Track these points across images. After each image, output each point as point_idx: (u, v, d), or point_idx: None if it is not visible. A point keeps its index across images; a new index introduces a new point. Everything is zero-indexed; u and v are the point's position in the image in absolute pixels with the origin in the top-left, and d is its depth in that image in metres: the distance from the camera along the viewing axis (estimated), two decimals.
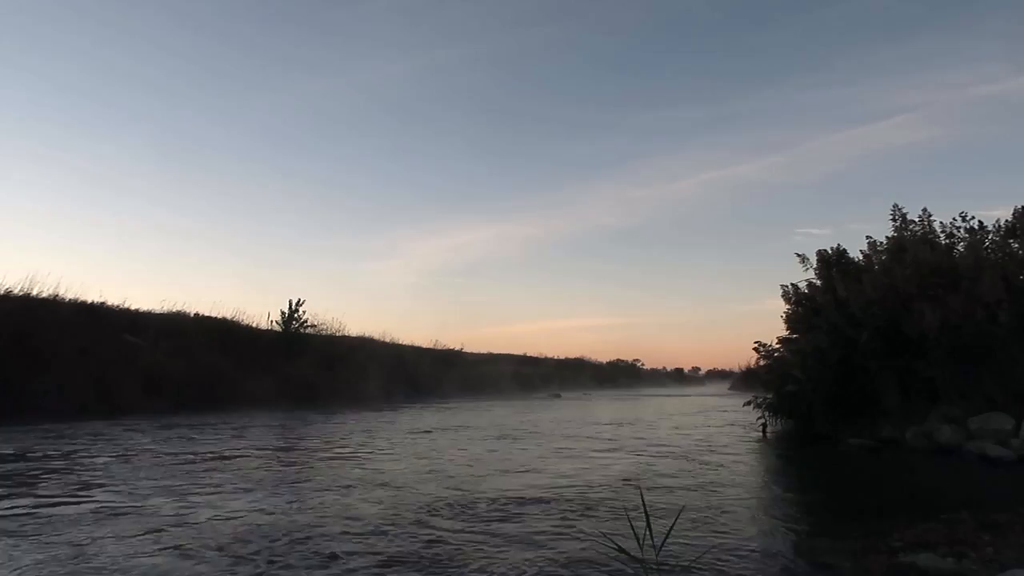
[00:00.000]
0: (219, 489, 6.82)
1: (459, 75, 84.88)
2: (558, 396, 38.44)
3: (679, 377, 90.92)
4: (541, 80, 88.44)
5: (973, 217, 12.93)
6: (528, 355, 53.86)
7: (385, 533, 5.10)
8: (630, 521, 3.05)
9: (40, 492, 6.54)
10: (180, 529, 5.13)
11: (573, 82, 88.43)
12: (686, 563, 4.25)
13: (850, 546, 4.72)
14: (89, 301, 20.33)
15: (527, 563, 4.37)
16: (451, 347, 41.81)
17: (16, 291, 17.92)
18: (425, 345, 39.26)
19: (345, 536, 5.00)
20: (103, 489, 6.71)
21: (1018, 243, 12.17)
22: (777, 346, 15.05)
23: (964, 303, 11.24)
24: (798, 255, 14.78)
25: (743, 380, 36.78)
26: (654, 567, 3.03)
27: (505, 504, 6.24)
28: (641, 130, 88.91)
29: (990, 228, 12.71)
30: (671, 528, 3.07)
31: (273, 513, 5.75)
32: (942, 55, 73.44)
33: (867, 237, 14.21)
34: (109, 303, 21.25)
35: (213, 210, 70.95)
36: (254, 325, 26.86)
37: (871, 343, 11.96)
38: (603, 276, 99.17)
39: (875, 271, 13.31)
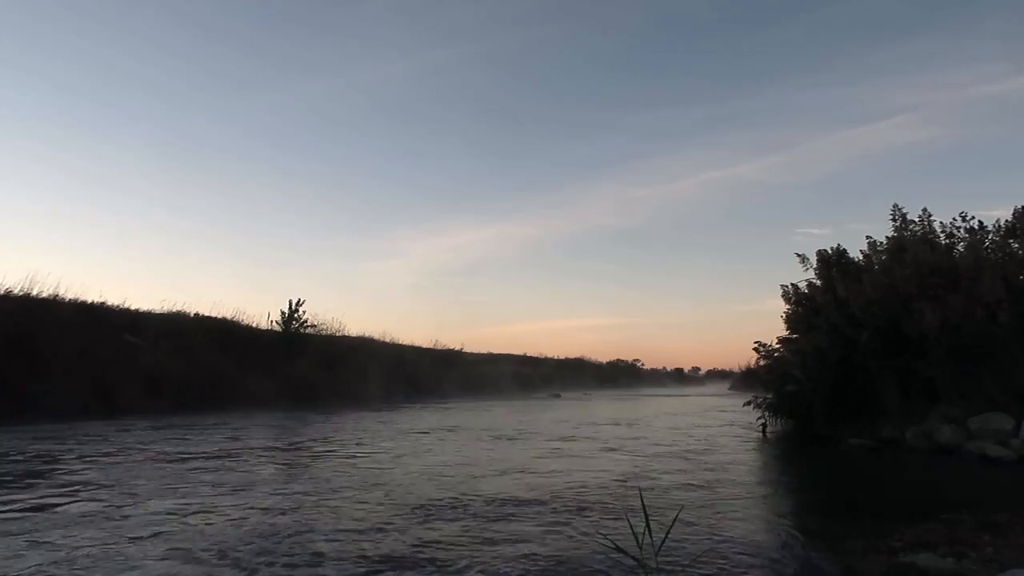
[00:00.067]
0: (212, 490, 6.78)
1: (459, 75, 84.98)
2: (558, 396, 38.44)
3: (679, 377, 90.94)
4: (541, 80, 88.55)
5: (973, 217, 12.96)
6: (528, 355, 53.95)
7: (377, 534, 5.06)
8: (629, 521, 3.05)
9: (32, 493, 6.49)
10: (169, 531, 5.08)
11: (573, 82, 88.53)
12: (685, 563, 4.25)
13: (850, 546, 4.72)
14: (89, 301, 20.34)
15: (523, 564, 4.35)
16: (451, 347, 41.89)
17: (16, 291, 17.93)
18: (425, 345, 39.33)
19: (336, 537, 4.94)
20: (95, 490, 6.66)
21: (1018, 243, 12.17)
22: (777, 346, 15.05)
23: (964, 303, 11.24)
24: (798, 255, 14.81)
25: (743, 380, 36.78)
26: (653, 567, 3.02)
27: (501, 505, 6.20)
28: (641, 130, 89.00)
29: (990, 228, 12.73)
30: (670, 528, 3.07)
31: (264, 514, 5.71)
32: (942, 55, 73.48)
33: (867, 237, 14.24)
34: (109, 303, 21.27)
35: (213, 210, 71.00)
36: (254, 325, 26.88)
37: (871, 343, 11.96)
38: (603, 276, 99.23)
39: (875, 271, 13.31)
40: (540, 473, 8.31)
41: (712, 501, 6.53)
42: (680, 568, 4.16)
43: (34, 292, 18.37)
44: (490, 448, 11.14)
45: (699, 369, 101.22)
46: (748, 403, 14.88)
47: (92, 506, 5.93)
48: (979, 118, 73.60)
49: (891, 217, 13.83)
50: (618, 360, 76.06)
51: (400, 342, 36.04)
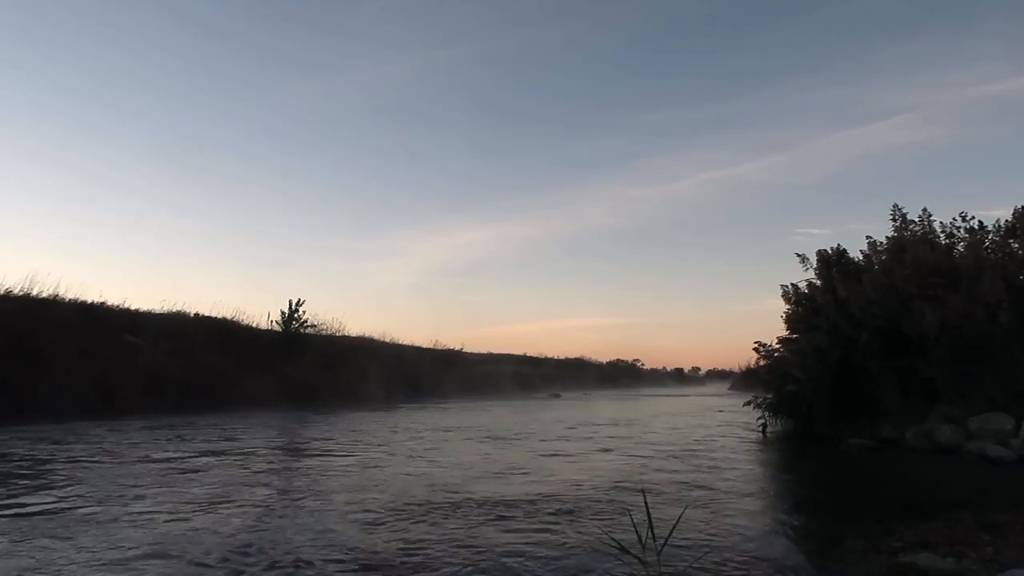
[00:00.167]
0: (202, 492, 6.68)
1: (459, 75, 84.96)
2: (558, 396, 38.46)
3: (679, 377, 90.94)
4: (541, 80, 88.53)
5: (973, 217, 12.97)
6: (528, 355, 53.93)
7: (368, 537, 4.97)
8: (632, 521, 3.06)
9: (21, 495, 6.41)
10: (153, 533, 4.99)
11: (573, 82, 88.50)
12: (686, 563, 4.25)
13: (850, 546, 4.73)
14: (89, 301, 20.34)
15: (521, 565, 4.34)
16: (451, 347, 41.89)
17: (16, 291, 17.94)
18: (425, 345, 39.33)
19: (324, 540, 4.86)
20: (84, 492, 6.57)
21: (1018, 243, 12.18)
22: (777, 346, 15.06)
23: (964, 303, 11.25)
24: (798, 255, 14.82)
25: (743, 380, 36.79)
26: (655, 567, 3.03)
27: (497, 506, 6.13)
28: (641, 130, 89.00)
29: (990, 228, 12.74)
30: (673, 528, 3.07)
31: (251, 517, 5.59)
32: (942, 55, 73.50)
33: (867, 237, 14.25)
34: (109, 303, 21.27)
35: (213, 210, 71.01)
36: (254, 325, 26.88)
37: (871, 343, 11.97)
38: (603, 276, 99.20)
39: (875, 271, 13.32)
40: (538, 474, 8.29)
41: (712, 501, 6.53)
42: (681, 568, 4.16)
43: (34, 292, 18.41)
44: (487, 448, 11.11)
45: (699, 369, 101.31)
46: (748, 403, 14.89)
47: (79, 508, 5.84)
48: (979, 118, 73.70)
49: (891, 217, 13.86)
50: (618, 360, 76.12)
51: (400, 342, 36.09)
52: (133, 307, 22.35)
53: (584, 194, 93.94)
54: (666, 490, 7.08)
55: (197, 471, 8.05)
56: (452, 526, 5.37)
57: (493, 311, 79.96)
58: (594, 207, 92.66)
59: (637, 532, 2.69)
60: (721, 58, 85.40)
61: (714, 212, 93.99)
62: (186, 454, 9.57)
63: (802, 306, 14.68)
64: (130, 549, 4.59)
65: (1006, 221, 12.50)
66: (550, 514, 5.84)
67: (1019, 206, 12.31)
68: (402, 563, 4.35)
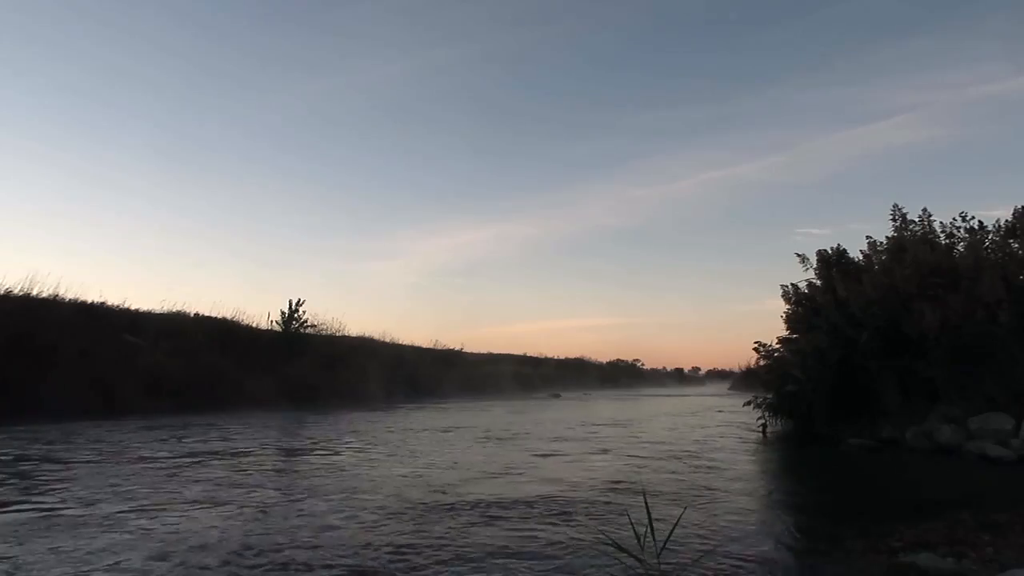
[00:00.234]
0: (193, 494, 6.59)
1: (459, 75, 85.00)
2: (558, 396, 38.46)
3: (679, 377, 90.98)
4: (541, 80, 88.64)
5: (973, 217, 12.98)
6: (528, 355, 53.94)
7: (359, 539, 4.89)
8: (632, 522, 3.05)
9: (10, 496, 6.35)
10: (142, 535, 4.91)
11: (573, 82, 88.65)
12: (686, 563, 4.24)
13: (850, 546, 4.72)
14: (89, 301, 20.34)
15: (520, 566, 4.31)
16: (451, 347, 41.88)
17: (16, 291, 17.94)
18: (425, 345, 39.32)
19: (312, 544, 4.75)
20: (78, 493, 6.50)
21: (1018, 243, 12.18)
22: (777, 346, 15.05)
23: (964, 303, 11.24)
24: (798, 255, 14.82)
25: (743, 380, 36.80)
26: (655, 568, 3.03)
27: (490, 507, 6.05)
28: (641, 130, 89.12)
29: (990, 228, 12.74)
30: (672, 528, 3.07)
31: (241, 519, 5.52)
32: (942, 55, 73.57)
33: (867, 237, 14.25)
34: (109, 303, 21.27)
35: (213, 210, 71.12)
36: (254, 325, 26.88)
37: (871, 343, 11.96)
38: (603, 276, 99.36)
39: (875, 271, 13.32)
40: (536, 474, 8.26)
41: (712, 501, 6.53)
42: (681, 568, 4.15)
43: (34, 292, 18.41)
44: (485, 449, 11.08)
45: (699, 369, 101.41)
46: (748, 403, 14.88)
47: (71, 509, 5.76)
48: (979, 118, 73.78)
49: (891, 217, 13.86)
50: (618, 360, 76.15)
51: (400, 342, 36.09)
52: (133, 307, 22.40)
53: (584, 194, 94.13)
54: (665, 491, 7.07)
55: (191, 472, 7.99)
56: (447, 527, 5.32)
57: (493, 311, 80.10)
58: (594, 207, 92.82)
59: (636, 533, 2.69)
60: (721, 58, 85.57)
61: (714, 212, 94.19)
62: (182, 455, 9.52)
63: (802, 306, 14.67)
64: (117, 551, 4.53)
65: (1006, 221, 12.51)
66: (547, 515, 5.81)
67: (1019, 206, 12.32)
68: (395, 565, 4.28)
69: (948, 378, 11.22)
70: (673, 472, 8.46)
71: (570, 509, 6.07)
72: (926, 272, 12.06)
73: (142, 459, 9.01)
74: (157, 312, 23.19)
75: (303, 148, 78.64)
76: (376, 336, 34.11)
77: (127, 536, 4.95)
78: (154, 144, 67.14)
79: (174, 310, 24.08)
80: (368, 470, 8.45)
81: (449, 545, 4.79)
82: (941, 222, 13.31)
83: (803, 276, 14.85)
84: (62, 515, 5.59)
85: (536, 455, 10.25)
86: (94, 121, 64.17)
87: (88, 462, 8.63)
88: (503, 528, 5.33)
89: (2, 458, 8.87)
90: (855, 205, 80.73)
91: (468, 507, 6.10)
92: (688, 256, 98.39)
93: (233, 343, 23.74)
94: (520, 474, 8.26)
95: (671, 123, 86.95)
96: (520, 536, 5.07)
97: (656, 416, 20.99)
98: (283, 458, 9.74)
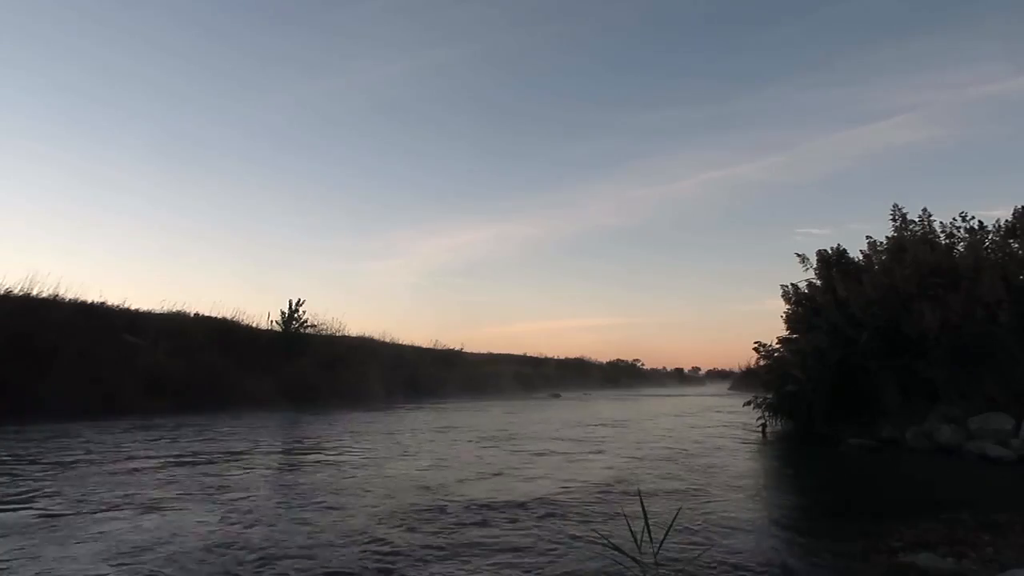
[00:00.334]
0: (182, 495, 6.49)
1: (459, 75, 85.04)
2: (558, 396, 38.44)
3: (679, 377, 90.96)
4: (541, 80, 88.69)
5: (973, 217, 12.99)
6: (528, 355, 53.91)
7: (347, 543, 4.79)
8: (628, 522, 3.04)
9: (4, 497, 6.28)
10: (123, 539, 4.78)
11: (573, 82, 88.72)
12: (685, 564, 4.23)
13: (850, 546, 4.71)
14: (89, 301, 20.30)
15: (512, 568, 4.29)
16: (451, 347, 41.84)
17: (16, 291, 17.92)
18: (425, 345, 39.30)
19: (300, 549, 4.64)
20: (64, 495, 6.39)
21: (1018, 243, 12.17)
22: (777, 346, 15.05)
23: (964, 303, 11.24)
24: (798, 255, 14.82)
25: (743, 380, 36.80)
26: (652, 568, 3.02)
27: (487, 509, 5.99)
28: (641, 130, 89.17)
29: (990, 228, 12.75)
30: (669, 528, 3.06)
31: (228, 523, 5.41)
32: (942, 55, 73.60)
33: (867, 237, 14.27)
34: (109, 303, 21.23)
35: (213, 210, 71.17)
36: (254, 325, 26.83)
37: (871, 343, 11.96)
38: (603, 276, 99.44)
39: (875, 271, 13.31)
40: (534, 475, 8.24)
41: (711, 501, 6.52)
42: (679, 569, 4.14)
43: (34, 292, 18.38)
44: (482, 449, 11.03)
45: (699, 369, 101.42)
46: (748, 403, 14.88)
47: (42, 514, 5.61)
48: (979, 118, 73.79)
49: (891, 217, 13.86)
50: (618, 360, 76.06)
51: (400, 342, 36.06)
52: (133, 307, 22.36)
53: (584, 194, 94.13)
54: (664, 491, 7.06)
55: (184, 473, 7.91)
56: (441, 528, 5.28)
57: (493, 311, 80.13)
58: (594, 207, 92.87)
59: (633, 533, 2.68)
60: (721, 58, 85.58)
61: (714, 212, 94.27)
62: (176, 455, 9.44)
63: (802, 306, 14.67)
64: (91, 553, 4.45)
65: (1006, 221, 12.51)
66: (544, 515, 5.78)
67: (1019, 206, 12.32)
68: (387, 567, 4.23)
69: (948, 378, 11.21)
70: (671, 472, 8.45)
71: (567, 509, 6.04)
72: (926, 272, 12.05)
73: (135, 459, 8.95)
74: (157, 312, 23.19)
75: (303, 148, 78.77)
76: (376, 336, 34.14)
77: (104, 537, 4.87)
78: (154, 144, 67.25)
79: (174, 310, 24.08)
80: (363, 471, 8.39)
81: (444, 546, 4.77)
82: (941, 222, 13.35)
83: (803, 276, 14.89)
84: (44, 516, 5.51)
85: (534, 455, 10.23)
86: (94, 121, 64.30)
87: (81, 462, 8.57)
88: (500, 528, 5.31)
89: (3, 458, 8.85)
90: (855, 205, 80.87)
91: (463, 508, 6.06)
92: (688, 256, 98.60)
93: (233, 343, 23.72)
94: (518, 474, 8.23)
95: (671, 123, 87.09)
96: (517, 536, 5.05)
97: (656, 416, 20.98)
98: (279, 459, 9.66)
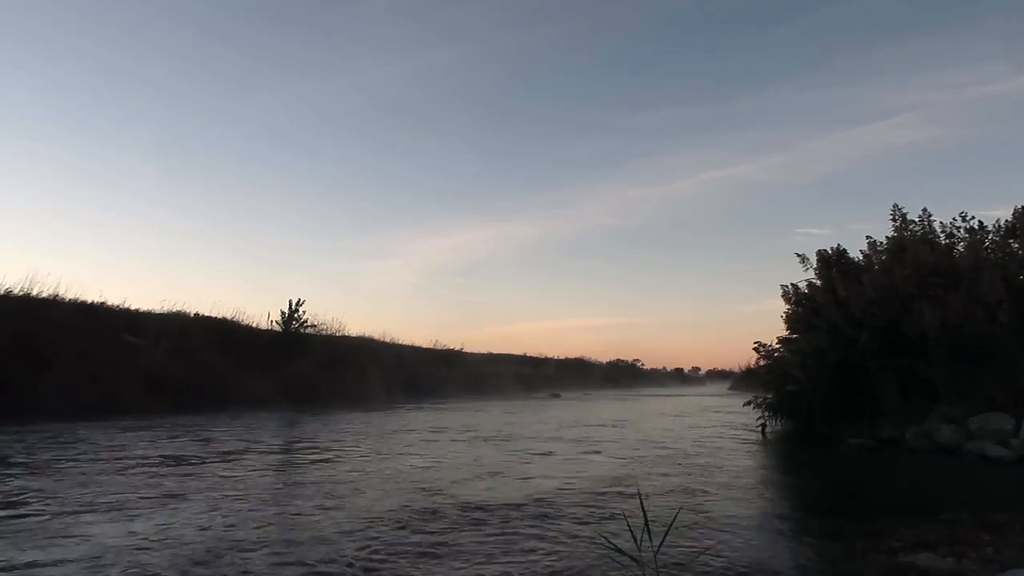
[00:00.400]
0: (170, 497, 6.40)
1: (459, 75, 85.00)
2: (557, 396, 38.44)
3: (679, 377, 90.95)
4: (541, 80, 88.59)
5: (973, 217, 13.00)
6: (528, 355, 53.88)
7: (332, 544, 4.71)
8: (628, 523, 3.04)
9: None
10: (101, 544, 4.71)
11: (573, 82, 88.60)
12: (685, 564, 4.23)
13: (850, 546, 4.71)
14: (89, 301, 20.28)
15: (510, 570, 4.27)
16: (451, 347, 41.82)
17: (16, 291, 17.90)
18: (425, 345, 39.27)
19: (288, 551, 4.55)
20: (50, 496, 6.31)
21: (1018, 243, 12.18)
22: (777, 346, 15.06)
23: (964, 303, 11.24)
24: (798, 255, 14.83)
25: (743, 380, 36.80)
26: (652, 568, 3.02)
27: (484, 509, 5.94)
28: (641, 130, 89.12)
29: (990, 228, 12.76)
30: (668, 528, 3.05)
31: (217, 523, 5.33)
32: (942, 55, 73.60)
33: (867, 237, 14.27)
34: (109, 303, 21.20)
35: (213, 210, 71.16)
36: (254, 325, 26.80)
37: (871, 343, 11.96)
38: (603, 276, 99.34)
39: (875, 271, 13.31)
40: (534, 475, 8.24)
41: (710, 501, 6.52)
42: (678, 569, 4.14)
43: (34, 292, 18.36)
44: (480, 449, 11.00)
45: (699, 369, 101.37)
46: (748, 403, 14.88)
47: (38, 513, 5.59)
48: (979, 118, 73.79)
49: (891, 217, 13.86)
50: (618, 360, 75.99)
51: (400, 342, 36.01)
52: (133, 307, 22.33)
53: (584, 194, 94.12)
54: (663, 491, 7.06)
55: (178, 473, 7.88)
56: (440, 528, 5.26)
57: (493, 311, 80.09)
58: (594, 207, 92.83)
59: (632, 534, 2.68)
60: (721, 58, 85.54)
61: (714, 212, 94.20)
62: (174, 456, 9.40)
63: (802, 306, 14.67)
64: (69, 554, 4.40)
65: (1006, 221, 12.51)
66: (543, 515, 5.77)
67: (1019, 206, 12.33)
68: (382, 569, 4.20)
69: (948, 378, 11.21)
70: (671, 472, 8.44)
71: (566, 509, 6.03)
72: (926, 272, 12.05)
73: (130, 460, 8.91)
74: (157, 312, 23.17)
75: (303, 148, 78.73)
76: (376, 336, 34.09)
77: (86, 539, 4.82)
78: (154, 144, 67.18)
79: (174, 310, 24.05)
80: (359, 472, 8.32)
81: (442, 545, 4.76)
82: (941, 222, 13.35)
83: (803, 276, 14.89)
84: (24, 517, 5.44)
85: (534, 455, 10.22)
86: (94, 121, 64.25)
87: (75, 462, 8.52)
88: (499, 528, 5.30)
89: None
90: (855, 205, 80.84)
91: (462, 508, 6.03)
92: (688, 256, 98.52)
93: (233, 343, 23.71)
94: (517, 475, 8.22)
95: (671, 123, 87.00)
96: (516, 536, 5.05)
97: (656, 416, 20.98)
98: (274, 459, 9.62)
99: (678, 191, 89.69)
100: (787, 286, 15.19)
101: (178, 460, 9.03)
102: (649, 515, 2.59)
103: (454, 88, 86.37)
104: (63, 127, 63.05)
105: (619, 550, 2.80)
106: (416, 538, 4.97)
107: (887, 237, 13.81)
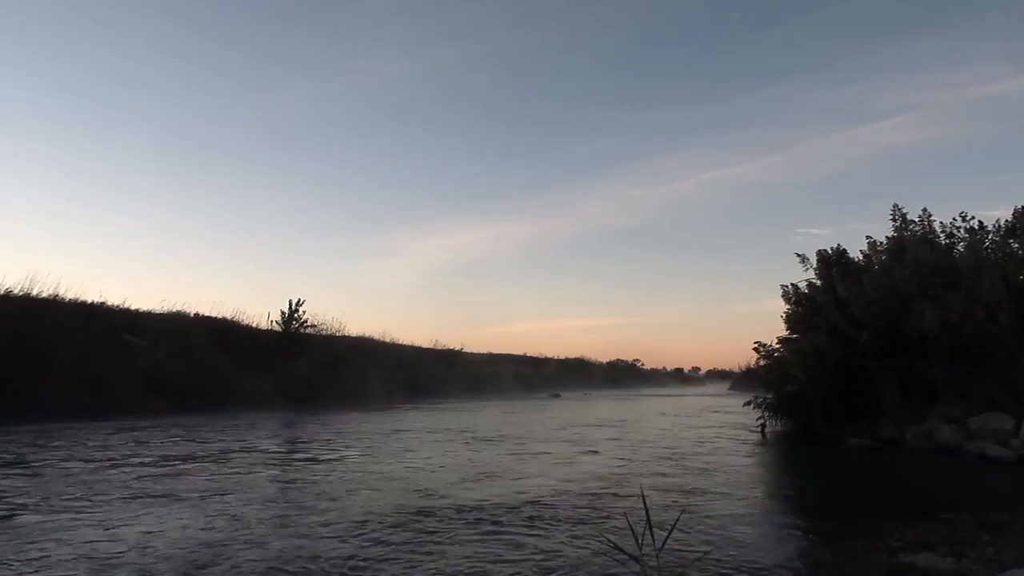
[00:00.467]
0: (169, 497, 6.39)
1: (459, 75, 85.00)
2: (557, 396, 38.44)
3: (679, 377, 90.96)
4: (541, 80, 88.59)
5: (973, 217, 13.00)
6: (528, 355, 53.89)
7: (324, 545, 4.69)
8: (630, 523, 3.04)
9: None
10: (95, 545, 4.68)
11: (573, 82, 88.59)
12: (685, 563, 4.24)
13: (850, 546, 4.72)
14: (89, 301, 20.31)
15: (508, 571, 4.27)
16: (451, 347, 41.83)
17: (16, 291, 17.92)
18: (425, 345, 39.28)
19: (282, 554, 4.49)
20: (42, 496, 6.30)
21: (1018, 243, 12.18)
22: (777, 346, 15.05)
23: (964, 303, 11.24)
24: (798, 255, 14.83)
25: (743, 380, 36.80)
26: (654, 568, 3.02)
27: (483, 510, 5.90)
28: (641, 130, 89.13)
29: (990, 228, 12.76)
30: (671, 529, 3.06)
31: (210, 526, 5.27)
32: (942, 55, 73.59)
33: (867, 237, 14.27)
34: (109, 303, 21.23)
35: (213, 210, 71.18)
36: (254, 325, 26.83)
37: (871, 343, 11.96)
38: (603, 276, 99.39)
39: (875, 271, 13.32)
40: (535, 475, 8.23)
41: (711, 501, 6.52)
42: (680, 569, 4.15)
43: (34, 292, 18.38)
44: (479, 450, 10.98)
45: (699, 369, 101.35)
46: (748, 403, 14.88)
47: (33, 514, 5.55)
48: (979, 118, 73.81)
49: (891, 217, 13.86)
50: (618, 360, 76.01)
51: (400, 342, 36.04)
52: (133, 307, 22.36)
53: (584, 194, 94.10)
54: (664, 491, 7.05)
55: (176, 474, 7.86)
56: (439, 528, 5.25)
57: (493, 311, 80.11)
58: (594, 207, 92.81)
59: (634, 534, 2.68)
60: (721, 58, 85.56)
61: (714, 212, 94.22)
62: (171, 456, 9.38)
63: (802, 306, 14.67)
64: (75, 557, 4.38)
65: (1006, 221, 12.52)
66: (544, 516, 5.77)
67: (1019, 206, 12.33)
68: (378, 570, 4.17)
69: (948, 378, 11.22)
70: (672, 472, 8.45)
71: (566, 509, 6.03)
72: (926, 272, 12.05)
73: (130, 459, 8.91)
74: (157, 312, 23.18)
75: (303, 148, 78.74)
76: (376, 336, 34.11)
77: (88, 537, 4.82)
78: (154, 144, 67.18)
79: (174, 310, 24.08)
80: (356, 472, 8.27)
81: (440, 545, 4.76)
82: (941, 222, 13.35)
83: (803, 276, 14.89)
84: (28, 517, 5.43)
85: (533, 455, 10.22)
86: (94, 121, 64.27)
87: (75, 462, 8.52)
88: (499, 528, 5.29)
89: None
90: (855, 205, 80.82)
91: (462, 508, 6.02)
92: (688, 256, 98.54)
93: (233, 343, 23.72)
94: (516, 475, 8.21)
95: (671, 123, 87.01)
96: (517, 536, 5.05)
97: (656, 416, 20.98)
98: (271, 459, 9.59)
99: (678, 191, 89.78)
100: (787, 286, 15.22)
101: (177, 460, 9.02)
102: (652, 515, 2.60)
103: (454, 88, 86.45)
104: (63, 127, 63.14)
105: (621, 550, 2.80)
106: (414, 538, 4.95)
107: (887, 237, 13.83)
